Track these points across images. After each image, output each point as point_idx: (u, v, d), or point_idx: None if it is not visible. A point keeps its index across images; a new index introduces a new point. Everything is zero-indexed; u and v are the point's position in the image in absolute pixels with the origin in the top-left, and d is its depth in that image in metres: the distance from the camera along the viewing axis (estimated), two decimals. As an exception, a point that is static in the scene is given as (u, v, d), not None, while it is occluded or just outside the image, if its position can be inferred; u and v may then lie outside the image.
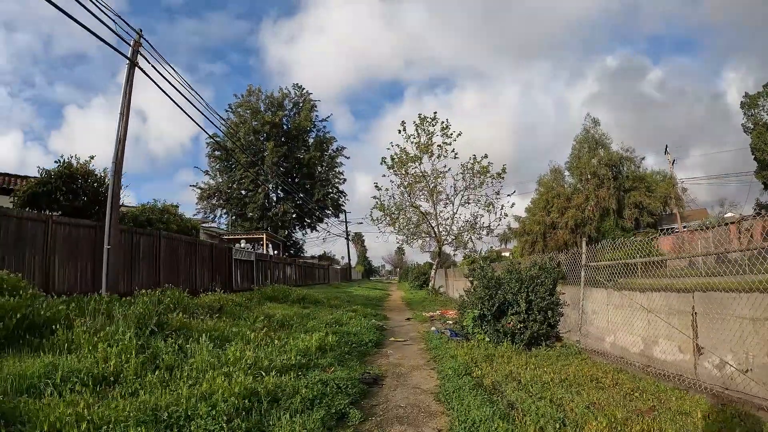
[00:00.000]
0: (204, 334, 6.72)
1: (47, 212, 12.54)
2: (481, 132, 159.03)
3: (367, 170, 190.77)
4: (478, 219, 28.27)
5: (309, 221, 52.97)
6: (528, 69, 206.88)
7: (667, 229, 38.48)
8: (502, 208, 27.77)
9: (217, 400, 4.28)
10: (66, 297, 8.82)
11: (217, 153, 48.48)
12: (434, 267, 31.97)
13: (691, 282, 7.41)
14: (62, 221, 11.95)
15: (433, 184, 27.79)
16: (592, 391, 5.83)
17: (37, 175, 14.00)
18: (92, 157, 15.35)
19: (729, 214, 43.72)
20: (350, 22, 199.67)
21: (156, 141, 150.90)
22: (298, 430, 4.01)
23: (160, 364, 5.64)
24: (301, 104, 52.09)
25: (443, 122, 27.32)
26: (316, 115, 52.93)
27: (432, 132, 27.38)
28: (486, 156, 27.13)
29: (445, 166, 27.66)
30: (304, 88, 52.93)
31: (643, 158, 43.37)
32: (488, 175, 27.14)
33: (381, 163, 27.91)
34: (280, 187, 49.41)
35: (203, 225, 33.65)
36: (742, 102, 36.36)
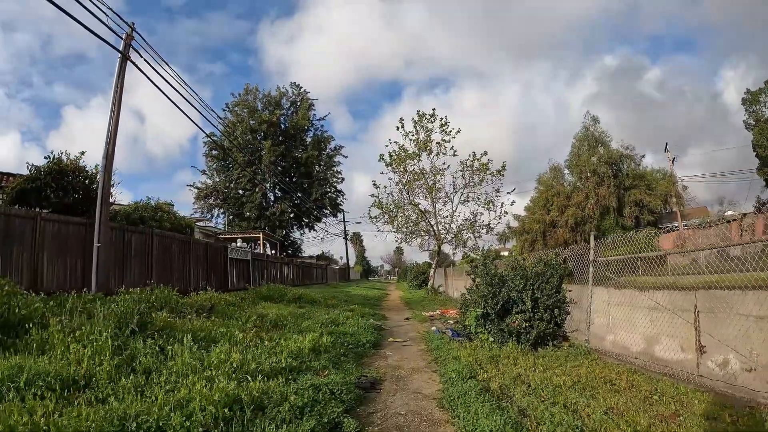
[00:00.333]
0: (189, 335, 6.22)
1: (36, 209, 12.24)
2: (480, 132, 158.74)
3: (366, 170, 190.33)
4: (478, 217, 27.86)
5: (307, 221, 52.53)
6: (528, 69, 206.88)
7: (669, 227, 38.01)
8: (502, 206, 27.37)
9: (194, 409, 3.80)
10: (55, 295, 8.46)
11: (214, 152, 47.96)
12: (433, 266, 31.52)
13: (693, 279, 7.13)
14: (51, 218, 11.65)
15: (432, 182, 27.32)
16: (608, 395, 5.38)
17: (27, 172, 13.68)
18: (82, 153, 15.03)
19: (729, 212, 43.42)
20: (350, 21, 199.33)
21: (154, 141, 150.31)
22: (284, 443, 3.54)
23: (137, 367, 5.17)
24: (298, 103, 51.60)
25: (442, 119, 26.91)
26: (314, 114, 52.61)
27: (431, 129, 26.95)
28: (486, 153, 26.72)
29: (444, 164, 27.23)
30: (301, 87, 52.50)
31: (643, 156, 43.00)
32: (488, 172, 26.69)
33: (379, 160, 27.46)
34: (277, 187, 48.98)
35: (198, 224, 33.13)
36: (743, 98, 35.97)
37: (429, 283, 30.17)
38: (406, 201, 27.98)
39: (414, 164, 27.18)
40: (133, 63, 12.54)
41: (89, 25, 10.26)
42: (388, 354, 8.31)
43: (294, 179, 50.33)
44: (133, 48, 12.61)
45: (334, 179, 53.35)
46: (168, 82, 13.99)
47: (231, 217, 48.99)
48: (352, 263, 76.62)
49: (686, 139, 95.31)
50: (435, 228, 28.35)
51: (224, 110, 49.66)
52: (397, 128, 27.08)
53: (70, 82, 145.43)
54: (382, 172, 27.81)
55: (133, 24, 12.51)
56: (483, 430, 4.01)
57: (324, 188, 51.46)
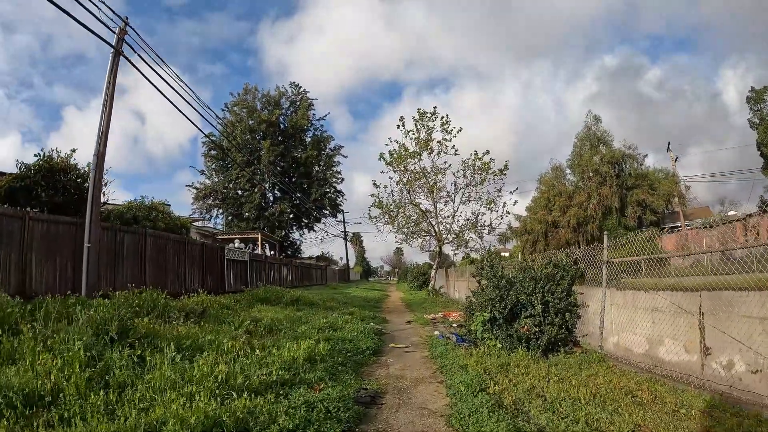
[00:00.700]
0: (172, 343, 5.70)
1: (27, 209, 11.85)
2: (480, 132, 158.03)
3: (366, 171, 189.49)
4: (480, 217, 27.32)
5: (306, 221, 52.00)
6: (528, 69, 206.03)
7: (672, 227, 37.60)
8: (504, 206, 26.83)
9: (167, 434, 3.30)
10: (38, 299, 7.96)
11: (213, 152, 47.44)
12: (434, 267, 30.98)
13: (701, 280, 6.99)
14: (40, 218, 11.24)
15: (433, 181, 26.78)
16: (632, 409, 4.89)
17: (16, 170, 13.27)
18: (73, 151, 14.63)
19: (731, 212, 43.04)
20: (349, 22, 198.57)
21: (155, 141, 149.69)
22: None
23: (111, 382, 4.65)
24: (298, 102, 51.10)
25: (443, 117, 26.35)
26: (313, 114, 52.13)
27: (432, 127, 26.37)
28: (488, 152, 26.16)
29: (445, 162, 26.68)
30: (301, 87, 52.00)
31: (645, 155, 42.50)
32: (490, 171, 26.15)
33: (379, 159, 26.88)
34: (276, 187, 48.46)
35: (195, 224, 32.61)
36: (747, 96, 35.45)
37: (430, 285, 29.63)
38: (406, 201, 27.45)
39: (415, 163, 26.66)
40: (126, 58, 12.22)
41: (82, 19, 9.99)
42: (389, 362, 7.76)
43: (293, 179, 49.82)
44: (128, 44, 12.27)
45: (334, 179, 52.85)
46: (164, 80, 13.99)
47: (230, 217, 48.51)
48: (352, 264, 76.10)
49: (686, 139, 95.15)
50: (436, 228, 27.82)
51: (223, 110, 49.29)
52: (398, 126, 26.55)
53: (69, 82, 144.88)
54: (383, 171, 27.28)
55: (127, 18, 12.15)
56: (501, 457, 3.49)
57: (323, 188, 50.96)
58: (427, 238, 28.87)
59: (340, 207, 55.00)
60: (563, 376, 6.09)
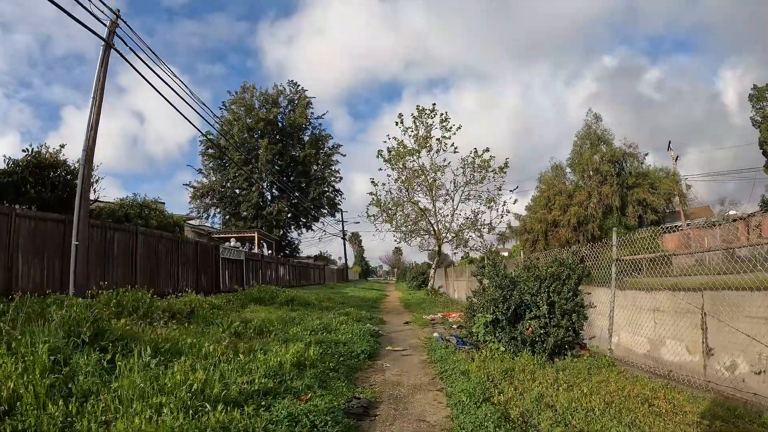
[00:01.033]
0: (149, 347, 5.23)
1: (15, 206, 11.47)
2: (480, 132, 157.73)
3: (365, 171, 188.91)
4: (479, 216, 26.86)
5: (304, 220, 51.51)
6: (527, 69, 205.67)
7: (674, 227, 37.21)
8: (504, 205, 26.39)
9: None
10: (31, 297, 7.53)
11: (210, 151, 46.93)
12: (433, 266, 30.51)
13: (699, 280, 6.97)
14: (27, 214, 10.94)
15: (432, 179, 26.30)
16: (650, 421, 4.45)
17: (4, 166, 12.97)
18: (62, 146, 14.38)
19: (732, 212, 42.66)
20: (349, 22, 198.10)
21: (156, 141, 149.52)
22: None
23: (75, 389, 4.18)
24: (296, 101, 50.57)
25: (442, 114, 25.90)
26: (312, 113, 51.56)
27: (431, 125, 25.93)
28: (487, 149, 25.70)
29: (444, 160, 26.22)
30: (299, 85, 51.46)
31: (646, 154, 42.09)
32: (490, 169, 25.70)
33: (377, 156, 26.44)
34: (274, 186, 47.96)
35: (190, 222, 32.10)
36: (750, 94, 35.00)
37: (429, 284, 29.17)
38: (405, 199, 26.99)
39: (413, 161, 26.21)
40: (118, 51, 11.94)
41: (73, 12, 9.77)
42: (385, 366, 7.26)
43: (291, 178, 49.31)
44: (119, 37, 12.01)
45: (332, 178, 52.35)
46: (158, 76, 13.73)
47: (227, 216, 48.04)
48: (350, 264, 75.63)
49: (685, 139, 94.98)
50: (435, 227, 27.35)
51: (221, 108, 48.78)
52: (396, 123, 26.10)
53: (69, 82, 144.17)
54: (381, 169, 26.87)
55: (118, 11, 11.95)
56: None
57: (322, 187, 50.47)
58: (426, 237, 28.45)
59: (339, 206, 54.56)
60: (573, 383, 5.63)
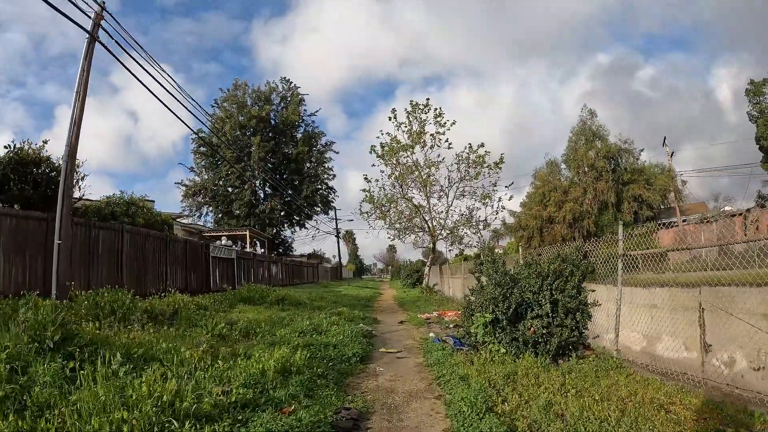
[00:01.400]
0: (119, 353, 4.75)
1: None
2: (474, 130, 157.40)
3: (360, 169, 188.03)
4: (474, 212, 26.47)
5: (298, 219, 50.95)
6: (522, 67, 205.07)
7: (671, 223, 37.07)
8: (499, 201, 26.02)
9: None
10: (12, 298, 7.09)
11: (202, 149, 46.26)
12: (428, 264, 30.11)
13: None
14: (8, 213, 10.62)
15: (426, 175, 25.86)
16: (671, 430, 4.04)
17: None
18: (45, 142, 13.81)
19: (727, 208, 42.63)
20: (343, 20, 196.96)
21: (148, 140, 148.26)
22: None
23: (30, 402, 3.71)
24: (288, 98, 49.99)
25: (436, 110, 25.48)
26: (305, 110, 51.03)
27: (424, 120, 25.49)
28: (482, 145, 25.30)
29: (438, 156, 25.81)
30: (291, 82, 50.87)
31: (641, 150, 41.93)
32: (485, 165, 25.30)
33: (370, 152, 25.96)
34: (267, 184, 47.37)
35: (180, 221, 31.49)
36: (746, 89, 34.78)
37: (424, 282, 28.77)
38: (398, 195, 26.55)
39: (407, 156, 25.76)
40: (102, 44, 11.49)
41: (59, 5, 9.47)
42: (378, 370, 6.78)
43: (284, 176, 48.72)
44: (104, 30, 11.57)
45: (326, 176, 51.88)
46: (148, 72, 13.12)
47: (220, 215, 47.43)
48: (344, 262, 75.17)
49: (679, 137, 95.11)
50: (429, 224, 26.92)
51: (213, 106, 48.08)
52: (390, 119, 25.64)
53: (64, 82, 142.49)
54: (374, 165, 26.38)
55: (104, 3, 11.50)
56: None
57: (315, 185, 49.94)
58: (421, 234, 28.05)
59: (332, 204, 54.07)
60: (581, 388, 5.21)
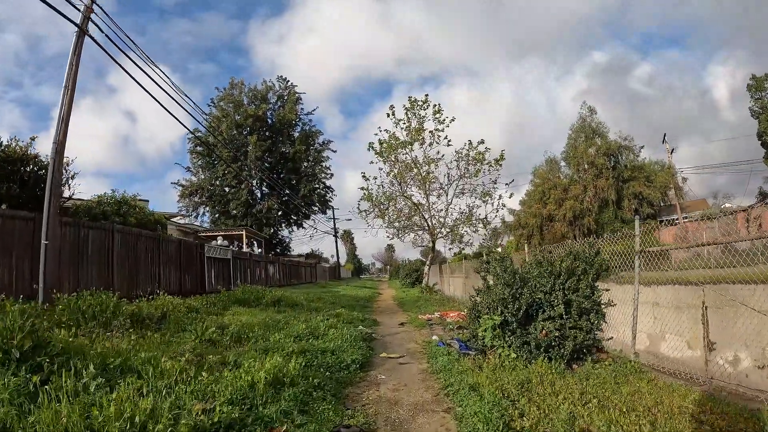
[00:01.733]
0: (92, 364, 4.26)
1: None
2: (472, 129, 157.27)
3: (358, 169, 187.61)
4: (474, 210, 25.99)
5: (295, 218, 50.42)
6: (519, 66, 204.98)
7: (671, 220, 36.69)
8: (499, 198, 25.54)
9: None
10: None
11: (199, 149, 45.68)
12: (428, 263, 29.63)
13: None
14: None
15: (425, 172, 25.37)
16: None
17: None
18: (33, 139, 13.41)
19: (727, 205, 42.30)
20: (341, 20, 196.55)
21: (146, 141, 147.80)
22: None
23: (-17, 426, 3.23)
24: (285, 97, 49.40)
25: (435, 106, 24.98)
26: (302, 108, 50.43)
27: (423, 116, 25.01)
28: (482, 141, 24.82)
29: (438, 153, 25.32)
30: (288, 80, 50.22)
31: (642, 147, 41.51)
32: (485, 162, 24.82)
33: (368, 149, 25.46)
34: (264, 183, 46.80)
35: (175, 220, 30.98)
36: (748, 84, 34.45)
37: (423, 281, 28.29)
38: (397, 193, 26.05)
39: (406, 153, 25.27)
40: (92, 38, 11.09)
41: None
42: (380, 379, 6.28)
43: (281, 175, 48.14)
44: (95, 24, 11.10)
45: (323, 175, 51.30)
46: (144, 71, 12.75)
47: (217, 215, 46.85)
48: (342, 261, 74.61)
49: (677, 134, 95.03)
50: (429, 222, 26.44)
51: (209, 105, 47.45)
52: (388, 115, 25.15)
53: (60, 83, 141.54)
54: (372, 162, 25.88)
55: None
56: None
57: (312, 184, 49.37)
58: (420, 232, 27.56)
59: (330, 203, 53.51)
60: (603, 397, 4.74)
